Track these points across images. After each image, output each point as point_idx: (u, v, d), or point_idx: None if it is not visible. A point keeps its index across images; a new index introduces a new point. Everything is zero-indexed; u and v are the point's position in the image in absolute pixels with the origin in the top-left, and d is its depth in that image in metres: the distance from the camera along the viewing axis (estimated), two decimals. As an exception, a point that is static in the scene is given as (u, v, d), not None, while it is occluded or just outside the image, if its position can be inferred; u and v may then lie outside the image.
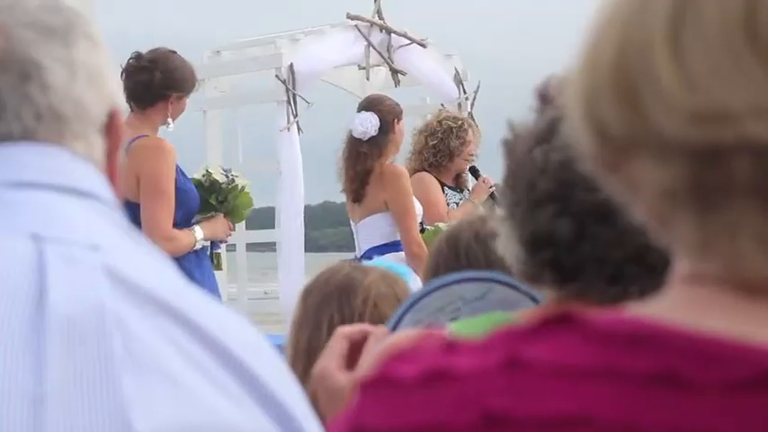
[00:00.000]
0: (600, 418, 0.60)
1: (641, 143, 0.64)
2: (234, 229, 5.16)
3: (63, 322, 0.95)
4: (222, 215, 5.00)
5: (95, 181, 1.13)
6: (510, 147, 1.23)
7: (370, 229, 5.71)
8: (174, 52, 4.87)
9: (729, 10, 0.61)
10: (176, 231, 4.71)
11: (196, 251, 4.83)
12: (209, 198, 4.94)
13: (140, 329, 0.98)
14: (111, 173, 1.18)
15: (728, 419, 0.59)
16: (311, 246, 6.76)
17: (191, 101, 6.55)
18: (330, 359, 1.78)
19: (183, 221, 4.80)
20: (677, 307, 0.65)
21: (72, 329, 0.95)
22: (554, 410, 0.61)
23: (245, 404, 0.99)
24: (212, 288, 4.86)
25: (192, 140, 6.93)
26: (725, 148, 0.61)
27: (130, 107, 4.82)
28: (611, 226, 1.14)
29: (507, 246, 1.21)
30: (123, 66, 4.77)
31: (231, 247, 6.59)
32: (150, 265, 1.07)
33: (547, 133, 1.18)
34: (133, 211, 4.71)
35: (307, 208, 6.83)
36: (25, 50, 1.10)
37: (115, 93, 1.19)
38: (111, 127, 1.17)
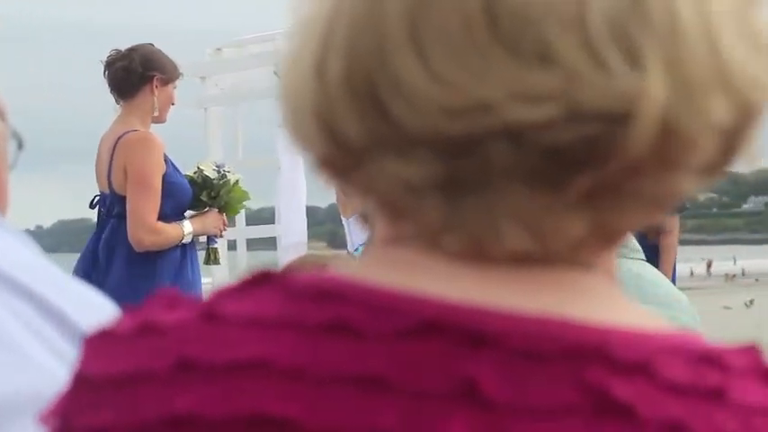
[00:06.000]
0: (274, 363, 0.67)
1: (384, 143, 0.67)
2: (227, 224, 5.33)
3: None
4: (215, 210, 5.20)
5: None
6: None
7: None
8: (153, 45, 5.12)
9: (466, 1, 0.65)
10: (162, 224, 4.96)
11: (183, 245, 5.03)
12: (200, 195, 5.15)
13: None
14: None
15: (392, 365, 0.66)
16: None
17: (192, 98, 6.78)
18: None
19: (173, 214, 5.03)
20: (371, 266, 0.72)
21: None
22: (236, 356, 0.67)
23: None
24: (196, 283, 5.05)
25: (194, 138, 7.16)
26: (479, 137, 0.65)
27: (117, 101, 5.04)
28: None
29: None
30: (104, 61, 5.00)
31: (232, 245, 6.79)
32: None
33: None
34: (123, 205, 4.95)
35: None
36: None
37: None
38: None
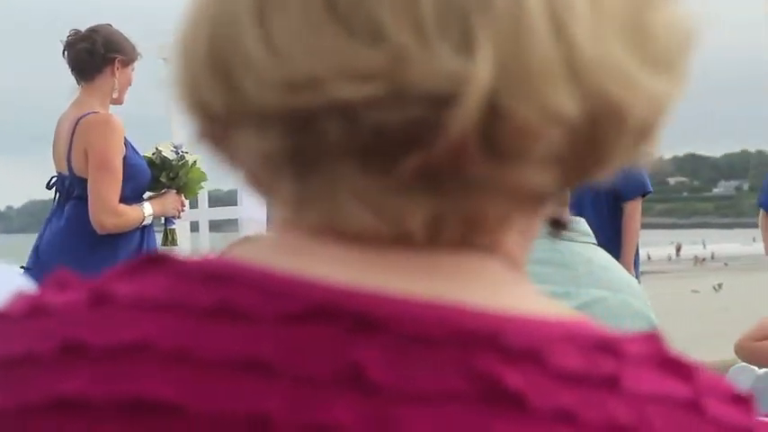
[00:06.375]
0: (158, 346, 0.66)
1: (241, 116, 0.68)
2: (185, 205, 5.35)
3: None
4: (174, 191, 5.21)
5: None
6: None
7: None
8: (111, 25, 5.13)
9: None
10: (123, 206, 4.95)
11: (143, 227, 5.04)
12: (159, 176, 5.16)
13: None
14: None
15: (278, 349, 0.65)
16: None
17: (155, 79, 6.75)
18: None
19: (132, 196, 5.03)
20: (263, 249, 0.72)
21: None
22: (120, 339, 0.67)
23: None
24: None
25: (159, 118, 7.14)
26: (316, 113, 0.65)
27: (78, 82, 5.02)
28: None
29: None
30: (63, 41, 4.99)
31: (194, 226, 6.78)
32: None
33: None
34: (83, 187, 4.94)
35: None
36: None
37: None
38: None
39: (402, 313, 0.66)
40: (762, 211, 7.70)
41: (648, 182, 6.69)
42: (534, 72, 0.65)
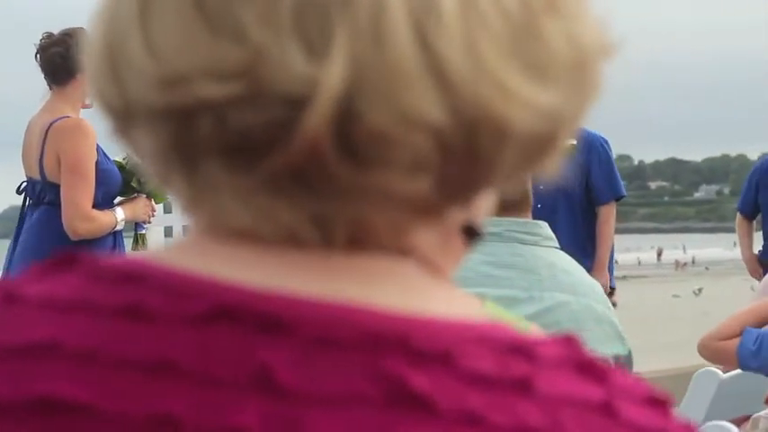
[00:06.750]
0: (65, 346, 0.66)
1: (133, 113, 0.69)
2: (155, 210, 5.36)
3: None
4: (144, 196, 5.21)
5: None
6: None
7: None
8: (84, 29, 5.09)
9: None
10: (96, 212, 4.94)
11: (114, 232, 5.03)
12: (130, 181, 5.15)
13: None
14: None
15: (184, 351, 0.65)
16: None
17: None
18: None
19: (104, 201, 5.02)
20: (173, 250, 0.72)
21: None
22: (27, 338, 0.67)
23: None
24: None
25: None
26: (192, 111, 0.66)
27: (50, 87, 5.00)
28: None
29: None
30: (36, 45, 4.97)
31: (168, 231, 6.78)
32: None
33: None
34: (55, 192, 4.93)
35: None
36: None
37: None
38: None
39: (310, 315, 0.66)
40: (739, 215, 7.73)
41: (622, 186, 6.69)
42: (391, 77, 0.64)
